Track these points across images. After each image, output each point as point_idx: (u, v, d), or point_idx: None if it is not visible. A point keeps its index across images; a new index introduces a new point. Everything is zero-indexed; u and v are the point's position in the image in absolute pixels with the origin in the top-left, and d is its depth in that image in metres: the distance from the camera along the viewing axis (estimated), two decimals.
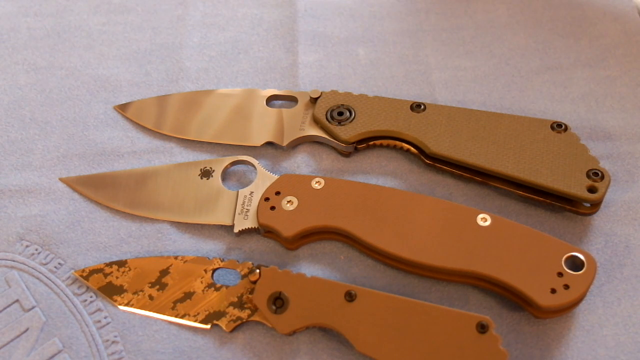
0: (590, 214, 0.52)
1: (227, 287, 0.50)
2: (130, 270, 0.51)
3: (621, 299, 0.49)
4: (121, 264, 0.51)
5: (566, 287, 0.45)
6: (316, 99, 0.58)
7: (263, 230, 0.52)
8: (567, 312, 0.48)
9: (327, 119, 0.57)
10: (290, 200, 0.52)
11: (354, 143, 0.56)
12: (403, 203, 0.50)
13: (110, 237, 0.54)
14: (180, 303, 0.49)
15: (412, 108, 0.57)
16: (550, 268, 0.46)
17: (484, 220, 0.49)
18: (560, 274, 0.46)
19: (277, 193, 0.52)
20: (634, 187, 0.55)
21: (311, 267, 0.51)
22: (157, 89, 0.63)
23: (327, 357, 0.47)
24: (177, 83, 0.63)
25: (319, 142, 0.58)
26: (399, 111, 0.57)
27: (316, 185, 0.52)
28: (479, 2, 0.69)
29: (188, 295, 0.49)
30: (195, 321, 0.49)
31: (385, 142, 0.57)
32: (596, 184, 0.50)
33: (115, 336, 0.49)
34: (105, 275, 0.51)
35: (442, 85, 0.62)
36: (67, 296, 0.51)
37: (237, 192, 0.54)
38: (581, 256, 0.47)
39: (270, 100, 0.61)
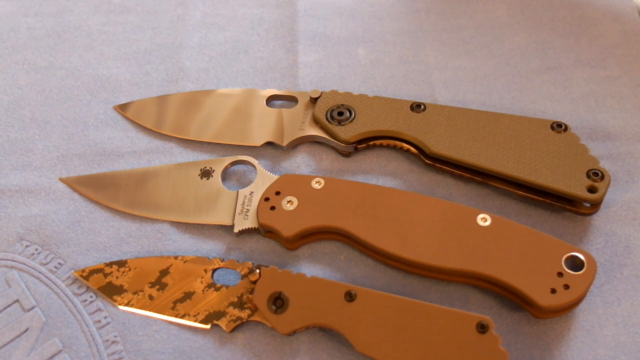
0: (590, 214, 0.52)
1: (227, 287, 0.50)
2: (130, 270, 0.51)
3: (621, 299, 0.49)
4: (121, 264, 0.51)
5: (566, 287, 0.45)
6: (316, 99, 0.58)
7: (263, 230, 0.52)
8: (567, 312, 0.48)
9: (327, 119, 0.57)
10: (290, 200, 0.52)
11: (354, 143, 0.56)
12: (403, 203, 0.50)
13: (110, 237, 0.54)
14: (180, 303, 0.49)
15: (412, 108, 0.57)
16: (550, 268, 0.46)
17: (484, 220, 0.49)
18: (560, 274, 0.46)
19: (277, 193, 0.52)
20: (634, 187, 0.55)
21: (311, 267, 0.51)
22: (157, 89, 0.63)
23: (327, 357, 0.47)
24: (177, 83, 0.63)
25: (319, 142, 0.58)
26: (399, 111, 0.57)
27: (316, 185, 0.52)
28: (479, 2, 0.69)
29: (188, 295, 0.49)
30: (195, 321, 0.49)
31: (385, 142, 0.57)
32: (596, 184, 0.50)
33: (115, 336, 0.49)
34: (105, 275, 0.51)
35: (442, 85, 0.62)
36: (67, 296, 0.51)
37: (237, 192, 0.54)
38: (581, 256, 0.47)
39: (270, 100, 0.61)
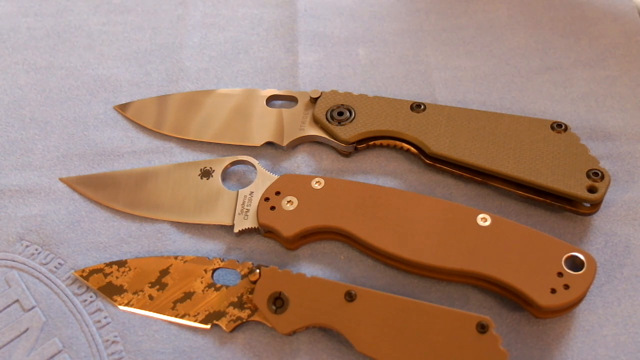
0: (590, 214, 0.52)
1: (227, 287, 0.50)
2: (130, 270, 0.51)
3: (621, 299, 0.49)
4: (121, 264, 0.51)
5: (566, 287, 0.45)
6: (316, 99, 0.58)
7: (263, 230, 0.52)
8: (567, 312, 0.48)
9: (327, 119, 0.57)
10: (290, 200, 0.52)
11: (354, 143, 0.56)
12: (403, 203, 0.50)
13: (110, 237, 0.54)
14: (180, 303, 0.49)
15: (412, 108, 0.57)
16: (550, 268, 0.46)
17: (484, 220, 0.49)
18: (560, 274, 0.46)
19: (277, 193, 0.52)
20: (634, 187, 0.55)
21: (311, 267, 0.51)
22: (157, 89, 0.63)
23: (327, 357, 0.47)
24: (177, 83, 0.63)
25: (319, 142, 0.58)
26: (399, 111, 0.57)
27: (316, 185, 0.52)
28: (479, 2, 0.69)
29: (188, 295, 0.49)
30: (195, 321, 0.49)
31: (385, 142, 0.57)
32: (596, 184, 0.50)
33: (115, 336, 0.49)
34: (105, 275, 0.51)
35: (442, 85, 0.62)
36: (67, 296, 0.51)
37: (237, 192, 0.54)
38: (581, 256, 0.47)
39: (270, 100, 0.61)
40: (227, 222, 0.53)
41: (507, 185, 0.54)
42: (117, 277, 0.51)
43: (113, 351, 0.48)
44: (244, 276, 0.50)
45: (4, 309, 0.50)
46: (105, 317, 0.50)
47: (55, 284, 0.51)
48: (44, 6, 0.69)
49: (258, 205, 0.52)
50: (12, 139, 0.59)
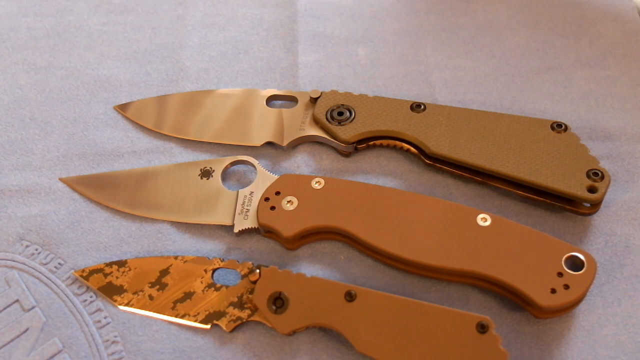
0: (590, 214, 0.52)
1: (227, 287, 0.50)
2: (130, 270, 0.51)
3: (621, 299, 0.49)
4: (121, 264, 0.51)
5: (566, 287, 0.45)
6: (316, 99, 0.58)
7: (263, 230, 0.52)
8: (567, 312, 0.48)
9: (327, 119, 0.57)
10: (290, 200, 0.52)
11: (354, 143, 0.56)
12: (403, 203, 0.50)
13: (110, 237, 0.54)
14: (180, 303, 0.49)
15: (412, 108, 0.57)
16: (550, 268, 0.46)
17: (484, 220, 0.49)
18: (560, 274, 0.46)
19: (277, 193, 0.52)
20: (634, 187, 0.55)
21: (311, 267, 0.51)
22: (157, 89, 0.63)
23: (327, 357, 0.47)
24: (177, 83, 0.63)
25: (319, 142, 0.58)
26: (399, 111, 0.57)
27: (316, 185, 0.52)
28: (479, 2, 0.69)
29: (188, 295, 0.49)
30: (195, 321, 0.49)
31: (385, 142, 0.57)
32: (596, 184, 0.50)
33: (115, 336, 0.49)
34: (105, 275, 0.51)
35: (442, 85, 0.62)
36: (67, 296, 0.51)
37: (237, 192, 0.54)
38: (581, 256, 0.47)
39: (270, 100, 0.61)
40: (227, 222, 0.53)
41: (507, 185, 0.54)
42: (117, 277, 0.51)
43: (113, 351, 0.48)
44: (244, 276, 0.50)
45: (4, 309, 0.50)
46: (105, 317, 0.50)
47: (55, 284, 0.51)
48: (44, 6, 0.69)
49: (258, 205, 0.52)
50: (12, 139, 0.59)
